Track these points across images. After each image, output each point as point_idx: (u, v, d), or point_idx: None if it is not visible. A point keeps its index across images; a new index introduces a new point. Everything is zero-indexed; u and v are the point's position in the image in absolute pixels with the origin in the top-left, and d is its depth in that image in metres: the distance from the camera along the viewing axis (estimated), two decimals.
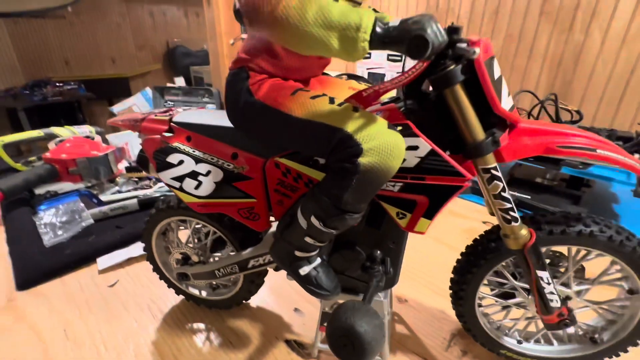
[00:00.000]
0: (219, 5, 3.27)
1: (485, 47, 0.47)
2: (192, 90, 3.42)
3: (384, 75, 2.02)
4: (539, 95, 1.74)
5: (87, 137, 1.57)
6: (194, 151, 0.62)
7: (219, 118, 0.64)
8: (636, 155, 1.20)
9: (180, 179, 0.62)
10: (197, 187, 0.62)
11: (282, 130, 0.51)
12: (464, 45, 0.42)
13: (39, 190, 1.36)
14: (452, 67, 0.45)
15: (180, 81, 4.53)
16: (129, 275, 0.99)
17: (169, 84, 4.14)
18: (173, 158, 0.62)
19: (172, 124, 0.64)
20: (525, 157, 0.53)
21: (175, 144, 0.62)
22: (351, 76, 0.81)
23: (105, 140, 1.68)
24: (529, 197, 1.27)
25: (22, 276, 0.96)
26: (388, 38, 0.37)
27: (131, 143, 1.58)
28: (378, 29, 0.37)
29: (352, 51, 0.37)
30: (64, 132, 1.61)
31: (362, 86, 0.66)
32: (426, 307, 0.88)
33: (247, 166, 0.60)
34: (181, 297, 0.89)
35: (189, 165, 0.61)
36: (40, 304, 0.89)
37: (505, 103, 0.49)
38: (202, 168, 0.61)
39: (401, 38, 0.36)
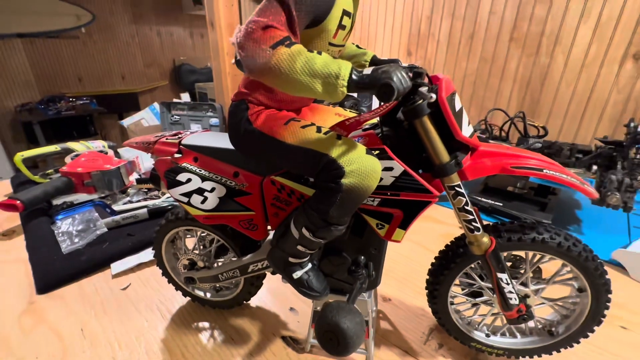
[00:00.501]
0: (222, 28, 3.33)
1: (446, 85, 0.52)
2: (197, 106, 3.47)
3: None
4: (511, 112, 1.81)
5: (101, 151, 1.61)
6: (200, 170, 0.66)
7: (222, 140, 0.68)
8: (594, 167, 1.26)
9: (188, 194, 0.66)
10: (203, 202, 0.66)
11: (277, 154, 0.55)
12: (424, 89, 0.47)
13: (56, 201, 1.38)
14: (419, 102, 0.50)
15: (185, 97, 4.58)
16: (139, 279, 1.02)
17: (175, 100, 4.18)
18: (182, 177, 0.66)
19: (181, 146, 0.69)
20: (486, 176, 0.58)
21: (184, 164, 0.67)
22: None
23: (117, 154, 1.72)
24: (501, 204, 1.33)
25: (42, 281, 0.98)
26: (362, 84, 0.42)
27: (141, 156, 1.62)
28: (354, 77, 0.42)
29: (333, 94, 0.42)
30: (79, 147, 1.64)
31: (347, 112, 0.71)
32: (408, 305, 0.92)
33: (246, 183, 0.64)
34: (187, 298, 0.92)
35: (196, 183, 0.66)
36: (59, 307, 0.91)
37: (466, 131, 0.54)
38: (208, 185, 0.65)
39: (372, 84, 0.41)
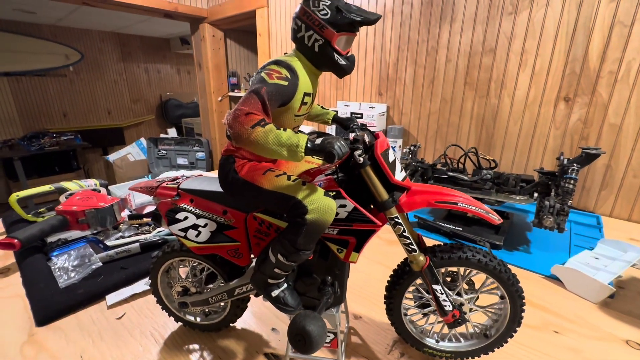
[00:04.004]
0: (209, 69, 3.63)
1: (381, 144, 0.72)
2: (184, 140, 3.67)
3: (362, 114, 2.36)
4: (470, 146, 2.08)
5: (94, 189, 1.74)
6: (195, 210, 0.83)
7: (213, 185, 0.86)
8: (535, 194, 1.49)
9: (185, 230, 0.82)
10: (197, 235, 0.82)
11: (257, 197, 0.73)
12: (358, 152, 0.67)
13: (51, 239, 1.49)
14: (362, 158, 0.70)
15: (172, 132, 4.79)
16: (133, 309, 1.13)
17: (162, 135, 4.37)
18: (180, 215, 0.82)
19: (179, 190, 0.86)
20: (417, 209, 0.77)
21: (182, 205, 0.83)
22: (320, 134, 1.07)
23: (108, 192, 1.85)
24: (461, 229, 1.53)
25: (41, 314, 1.08)
26: (314, 151, 0.61)
27: (132, 194, 1.76)
28: (308, 145, 0.61)
29: (295, 158, 0.61)
30: (72, 186, 1.77)
31: (314, 159, 0.91)
32: (376, 321, 1.07)
33: (233, 219, 0.81)
34: (179, 324, 1.05)
35: (192, 220, 0.82)
36: (58, 337, 1.02)
37: (399, 176, 0.74)
38: (201, 222, 0.82)
39: (321, 150, 0.61)
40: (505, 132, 1.96)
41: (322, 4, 0.70)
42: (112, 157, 4.05)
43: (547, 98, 1.81)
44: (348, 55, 0.76)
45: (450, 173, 1.63)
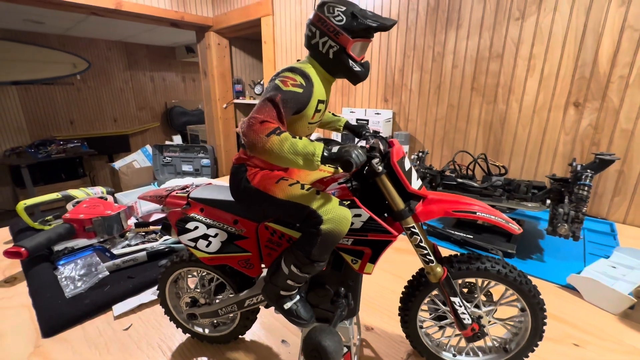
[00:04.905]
0: (214, 77, 3.65)
1: (397, 152, 0.70)
2: (189, 147, 3.67)
3: (368, 121, 2.35)
4: (479, 152, 2.05)
5: (101, 197, 1.73)
6: (205, 219, 0.81)
7: (223, 193, 0.84)
8: (548, 201, 1.46)
9: (195, 240, 0.80)
10: (207, 246, 0.80)
11: (270, 206, 0.71)
12: (376, 161, 0.65)
13: (57, 247, 1.48)
14: (380, 166, 0.68)
15: (177, 139, 4.81)
16: (140, 320, 1.11)
17: (167, 142, 4.38)
18: (190, 225, 0.81)
19: (189, 199, 0.84)
20: (434, 218, 0.75)
21: (192, 214, 0.82)
22: (326, 140, 1.05)
23: (115, 199, 1.84)
24: (472, 236, 1.49)
25: (48, 325, 1.06)
26: (331, 159, 0.59)
27: (139, 201, 1.75)
28: (325, 154, 0.59)
29: (310, 166, 0.60)
30: (79, 193, 1.77)
31: (327, 167, 0.89)
32: (389, 333, 1.04)
33: (244, 229, 0.79)
34: (187, 335, 1.02)
35: (202, 230, 0.80)
36: (64, 349, 0.99)
37: (415, 184, 0.72)
38: (212, 231, 0.80)
39: (338, 159, 0.59)
40: (514, 138, 1.93)
41: (337, 10, 0.69)
42: (117, 164, 4.06)
43: (556, 103, 1.79)
44: (363, 61, 0.75)
45: (459, 180, 1.60)
